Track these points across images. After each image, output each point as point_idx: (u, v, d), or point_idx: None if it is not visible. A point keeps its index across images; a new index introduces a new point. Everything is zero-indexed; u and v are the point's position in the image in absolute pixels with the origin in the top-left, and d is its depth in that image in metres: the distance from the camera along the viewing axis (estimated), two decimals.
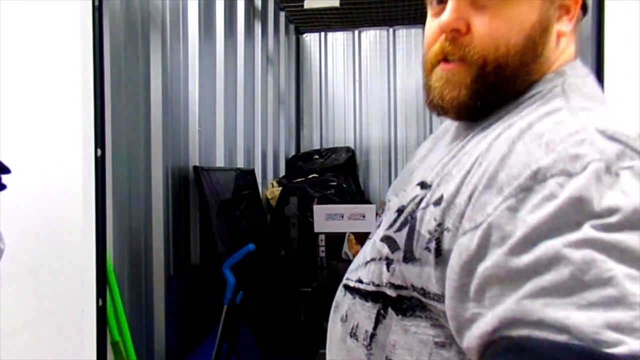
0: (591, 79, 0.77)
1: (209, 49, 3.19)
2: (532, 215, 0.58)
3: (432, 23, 0.78)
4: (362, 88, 5.26)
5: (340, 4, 3.99)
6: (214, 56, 3.28)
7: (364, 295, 0.81)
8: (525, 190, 0.60)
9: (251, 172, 3.74)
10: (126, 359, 1.95)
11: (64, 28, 1.43)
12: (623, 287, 0.52)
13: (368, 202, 4.78)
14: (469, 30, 0.74)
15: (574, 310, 0.53)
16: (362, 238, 3.90)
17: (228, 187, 3.20)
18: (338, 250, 3.89)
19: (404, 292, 0.74)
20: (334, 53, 5.33)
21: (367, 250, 0.85)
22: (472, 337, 0.60)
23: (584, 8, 0.79)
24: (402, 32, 5.17)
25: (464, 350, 0.63)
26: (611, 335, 0.51)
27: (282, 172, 4.79)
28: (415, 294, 0.73)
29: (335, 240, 3.89)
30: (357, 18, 4.90)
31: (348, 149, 5.04)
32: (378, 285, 0.78)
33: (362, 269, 0.83)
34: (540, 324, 0.53)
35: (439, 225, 0.69)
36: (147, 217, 2.43)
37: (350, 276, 0.86)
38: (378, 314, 0.78)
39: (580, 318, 0.52)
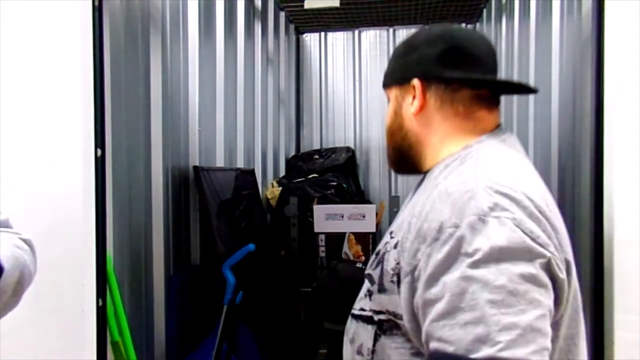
0: (493, 148, 1.01)
1: (209, 49, 3.18)
2: (435, 257, 0.85)
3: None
4: (362, 88, 5.26)
5: (340, 4, 3.99)
6: (214, 56, 3.28)
7: (365, 319, 1.06)
8: (434, 240, 0.87)
9: (251, 172, 3.74)
10: (126, 359, 1.95)
11: (64, 28, 1.43)
12: (482, 310, 0.79)
13: (368, 202, 4.78)
14: None
15: (456, 328, 0.80)
16: (362, 238, 3.91)
17: (228, 187, 3.20)
18: (338, 250, 3.89)
19: (382, 317, 1.01)
20: (334, 53, 5.33)
21: (364, 285, 1.10)
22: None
23: (467, 83, 1.05)
24: (402, 32, 5.17)
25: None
26: (477, 345, 0.78)
27: (282, 172, 4.79)
28: (391, 317, 0.99)
29: (335, 240, 3.89)
30: (357, 18, 4.90)
31: (348, 149, 5.04)
32: (370, 311, 1.04)
33: (362, 300, 1.08)
34: (439, 339, 0.82)
35: (397, 263, 0.95)
36: (147, 217, 2.43)
37: (355, 306, 1.11)
38: (375, 334, 1.02)
39: (460, 334, 0.80)
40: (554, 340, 0.85)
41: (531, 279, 0.81)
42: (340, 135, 5.29)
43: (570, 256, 0.90)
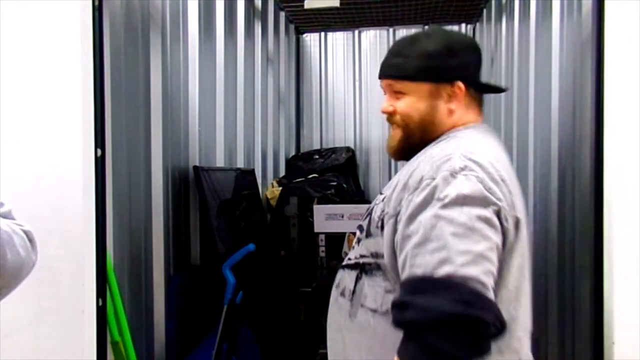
0: (476, 133, 1.29)
1: (209, 49, 3.19)
2: (414, 201, 1.12)
3: None
4: (362, 88, 5.26)
5: (340, 4, 3.99)
6: (214, 56, 3.28)
7: (350, 267, 1.30)
8: (415, 189, 1.14)
9: (251, 172, 3.74)
10: (126, 359, 1.95)
11: (64, 28, 1.43)
12: (446, 240, 1.05)
13: (368, 202, 4.76)
14: (395, 110, 1.33)
15: (426, 255, 1.06)
16: None
17: (228, 187, 3.20)
18: (338, 250, 3.89)
19: (365, 260, 1.25)
20: (334, 53, 5.33)
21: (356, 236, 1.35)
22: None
23: (481, 86, 1.36)
24: (402, 32, 5.16)
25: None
26: (439, 265, 1.03)
27: (282, 172, 4.79)
28: (373, 260, 1.23)
29: (335, 240, 3.88)
30: (357, 18, 4.90)
31: (348, 149, 5.04)
32: (356, 258, 1.28)
33: (352, 251, 1.33)
34: (412, 266, 1.08)
35: (382, 211, 1.22)
36: (147, 217, 2.43)
37: (345, 258, 1.35)
38: (357, 277, 1.27)
39: (428, 259, 1.05)
40: (501, 276, 1.12)
41: (485, 220, 1.08)
42: (340, 135, 5.29)
43: (521, 215, 1.16)
